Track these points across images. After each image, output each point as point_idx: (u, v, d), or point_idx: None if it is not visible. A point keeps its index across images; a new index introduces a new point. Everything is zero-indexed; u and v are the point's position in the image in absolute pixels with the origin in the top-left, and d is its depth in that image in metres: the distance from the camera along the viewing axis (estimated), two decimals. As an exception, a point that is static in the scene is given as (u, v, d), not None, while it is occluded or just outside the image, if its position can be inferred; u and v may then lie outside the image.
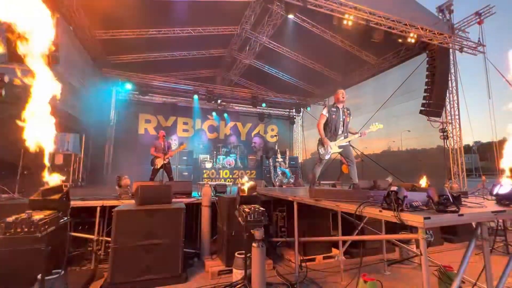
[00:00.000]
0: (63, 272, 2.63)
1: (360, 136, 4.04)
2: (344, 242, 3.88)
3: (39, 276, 2.36)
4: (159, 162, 6.69)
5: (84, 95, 8.38)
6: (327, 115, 4.03)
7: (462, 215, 1.85)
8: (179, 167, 10.94)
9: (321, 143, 4.05)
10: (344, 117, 4.04)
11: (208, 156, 11.64)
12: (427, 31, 7.38)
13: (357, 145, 9.00)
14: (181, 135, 12.86)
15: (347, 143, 4.07)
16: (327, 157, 4.00)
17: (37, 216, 2.23)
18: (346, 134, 4.05)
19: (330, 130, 4.03)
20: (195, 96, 12.46)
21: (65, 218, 2.58)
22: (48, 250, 2.26)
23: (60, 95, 2.54)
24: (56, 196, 2.53)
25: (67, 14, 6.69)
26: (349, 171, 4.01)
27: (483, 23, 7.75)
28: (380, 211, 2.05)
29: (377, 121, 4.12)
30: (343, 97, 4.08)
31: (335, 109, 4.05)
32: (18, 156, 4.66)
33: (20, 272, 2.73)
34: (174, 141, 11.88)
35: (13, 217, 2.15)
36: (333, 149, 4.00)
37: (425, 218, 1.70)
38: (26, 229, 2.10)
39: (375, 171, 9.15)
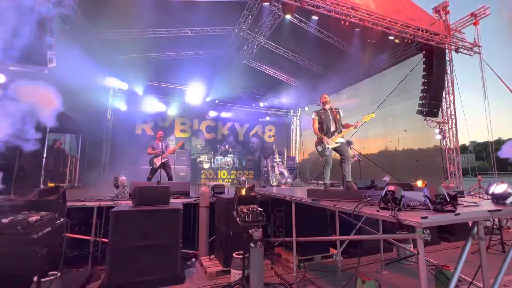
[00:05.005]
0: (59, 274, 2.61)
1: (355, 127, 4.12)
2: (341, 242, 3.90)
3: (35, 278, 2.34)
4: (157, 162, 6.70)
5: (80, 96, 8.31)
6: (316, 117, 4.21)
7: (458, 214, 1.86)
8: (177, 168, 10.88)
9: (319, 141, 4.12)
10: (333, 115, 4.17)
11: (206, 156, 11.61)
12: (424, 31, 7.43)
13: (355, 145, 9.03)
14: (178, 136, 12.80)
15: (343, 140, 4.13)
16: (327, 153, 4.04)
17: (33, 217, 2.21)
18: (340, 130, 4.16)
19: (323, 129, 4.16)
20: (193, 96, 12.41)
21: (62, 219, 2.57)
22: (44, 252, 2.25)
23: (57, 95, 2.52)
24: (53, 197, 2.52)
25: (63, 13, 6.63)
26: (343, 169, 4.04)
27: (479, 24, 7.82)
28: (378, 210, 2.06)
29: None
30: (324, 99, 4.25)
31: (323, 111, 4.22)
32: (14, 157, 4.61)
33: (16, 274, 2.69)
34: (171, 141, 11.83)
35: (9, 218, 2.14)
36: (330, 144, 4.06)
37: (422, 218, 1.71)
38: (22, 230, 2.09)
39: (372, 171, 9.18)
